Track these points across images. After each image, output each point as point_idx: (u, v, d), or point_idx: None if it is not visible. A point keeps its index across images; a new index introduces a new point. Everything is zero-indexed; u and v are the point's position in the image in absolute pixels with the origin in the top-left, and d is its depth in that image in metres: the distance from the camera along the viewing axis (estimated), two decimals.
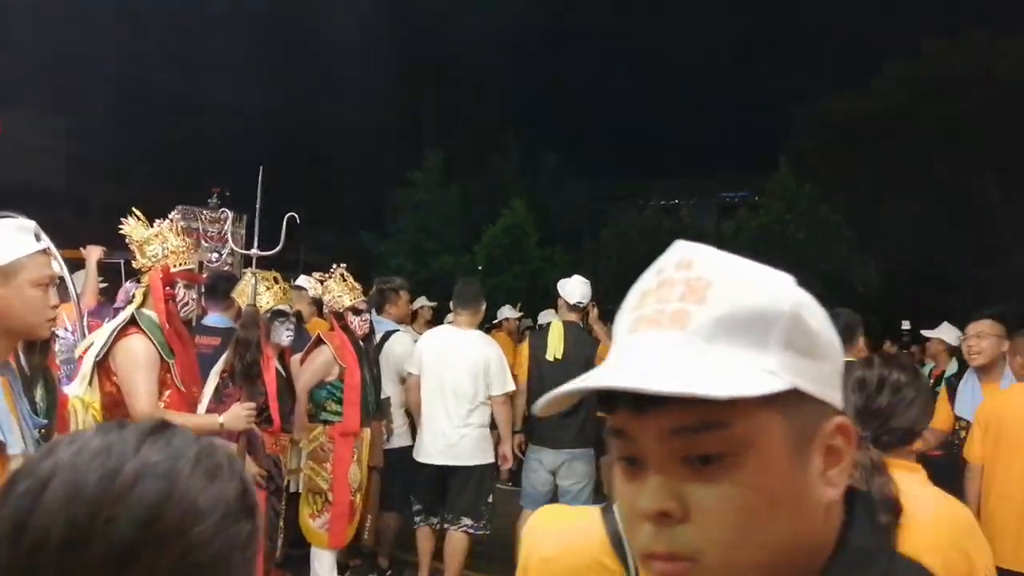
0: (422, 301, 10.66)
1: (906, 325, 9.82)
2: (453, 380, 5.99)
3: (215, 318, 5.55)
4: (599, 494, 8.73)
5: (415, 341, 6.58)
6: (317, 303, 7.05)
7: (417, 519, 6.23)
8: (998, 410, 4.32)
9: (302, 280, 7.30)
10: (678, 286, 0.90)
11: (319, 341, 5.66)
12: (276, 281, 5.16)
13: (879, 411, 2.31)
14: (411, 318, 9.88)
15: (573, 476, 6.35)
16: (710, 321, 0.85)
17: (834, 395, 0.92)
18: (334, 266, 5.76)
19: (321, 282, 5.76)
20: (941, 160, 25.30)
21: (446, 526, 6.12)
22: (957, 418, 5.18)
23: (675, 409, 0.82)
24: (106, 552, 0.85)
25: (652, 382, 0.79)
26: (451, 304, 6.48)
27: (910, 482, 2.17)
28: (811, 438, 0.88)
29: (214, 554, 0.90)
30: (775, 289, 0.91)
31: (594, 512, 1.46)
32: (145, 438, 0.92)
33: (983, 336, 4.96)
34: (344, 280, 5.69)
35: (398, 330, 6.62)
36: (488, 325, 10.79)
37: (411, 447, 6.38)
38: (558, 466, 6.33)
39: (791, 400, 0.85)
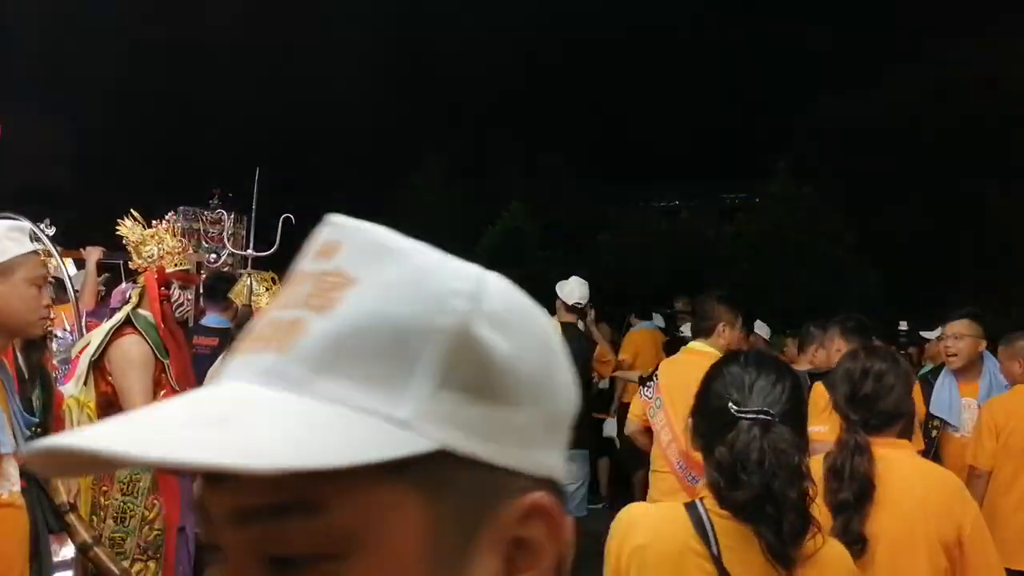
0: None
1: (903, 326, 9.82)
2: None
3: (213, 318, 5.57)
4: (595, 494, 8.75)
5: None
6: None
7: None
8: (1006, 416, 4.34)
9: None
10: (307, 282, 0.62)
11: None
12: (274, 282, 5.17)
13: (865, 398, 2.54)
14: None
15: (567, 477, 6.38)
16: (324, 340, 0.56)
17: (535, 457, 0.61)
18: None
19: None
20: (942, 164, 25.31)
21: None
22: (931, 416, 5.12)
23: (250, 482, 0.51)
24: None
25: (122, 443, 0.48)
26: None
27: (896, 457, 2.48)
28: (478, 529, 0.57)
29: None
30: (440, 292, 0.60)
31: (677, 506, 1.87)
32: None
33: (961, 337, 4.93)
34: None
35: None
36: None
37: None
38: None
39: (442, 470, 0.55)
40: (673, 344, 7.77)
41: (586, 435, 6.37)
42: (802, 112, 27.79)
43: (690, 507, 1.84)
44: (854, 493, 2.37)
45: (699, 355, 4.53)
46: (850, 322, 5.24)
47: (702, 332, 4.69)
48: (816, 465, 2.28)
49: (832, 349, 5.11)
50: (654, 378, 4.81)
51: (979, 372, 4.97)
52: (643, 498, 8.97)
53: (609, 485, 9.27)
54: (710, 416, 1.89)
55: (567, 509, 0.65)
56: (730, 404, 1.82)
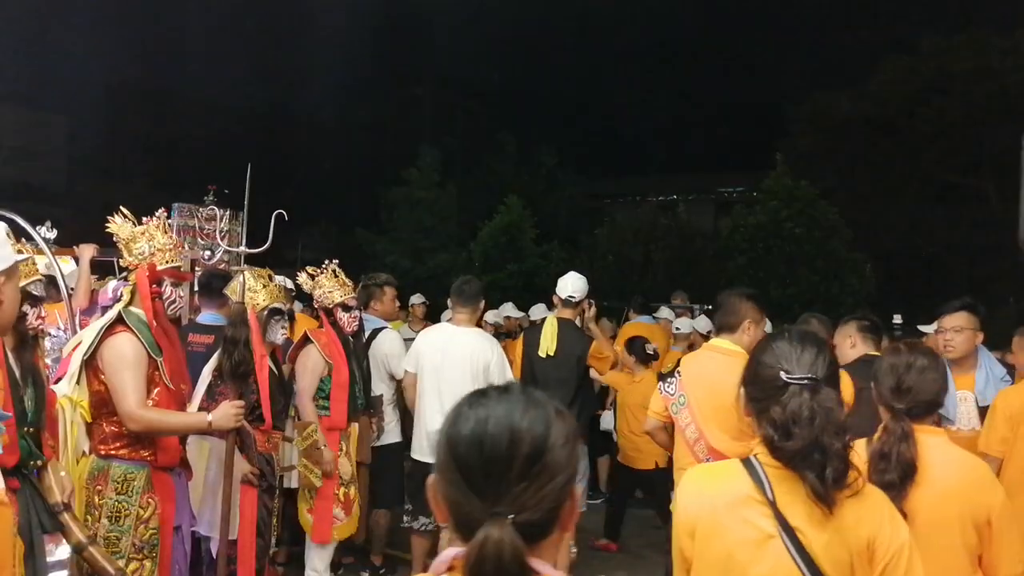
0: (418, 298, 10.64)
1: (897, 319, 9.82)
2: (452, 379, 5.82)
3: (209, 316, 5.54)
4: (594, 490, 8.76)
5: (403, 339, 6.60)
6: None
7: (406, 519, 6.22)
8: (1022, 405, 4.36)
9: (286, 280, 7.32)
10: None
11: (305, 340, 5.60)
12: (270, 278, 5.15)
13: (908, 389, 2.85)
14: (404, 315, 9.85)
15: None
16: None
17: None
18: (326, 261, 5.74)
19: (312, 277, 5.72)
20: (938, 158, 25.34)
21: (441, 525, 6.04)
22: None
23: None
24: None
25: None
26: (449, 301, 6.44)
27: (935, 443, 2.82)
28: None
29: None
30: None
31: (735, 462, 2.28)
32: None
33: (960, 330, 4.92)
34: (336, 276, 5.67)
35: (385, 327, 6.58)
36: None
37: (400, 443, 6.43)
38: None
39: None
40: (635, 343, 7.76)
41: (587, 431, 6.34)
42: (799, 106, 27.75)
43: (745, 462, 2.24)
44: (899, 475, 2.70)
45: (723, 352, 4.56)
46: (866, 320, 5.37)
47: (726, 329, 4.65)
48: (859, 448, 2.75)
49: (846, 345, 5.24)
50: (676, 374, 4.79)
51: (974, 364, 4.95)
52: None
53: (609, 480, 9.28)
54: (763, 383, 2.24)
55: None
56: (781, 372, 2.18)
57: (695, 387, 4.59)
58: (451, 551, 1.36)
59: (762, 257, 21.72)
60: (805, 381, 2.14)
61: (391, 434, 6.40)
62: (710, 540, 2.20)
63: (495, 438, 1.31)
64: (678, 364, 4.93)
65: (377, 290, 6.85)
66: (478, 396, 1.39)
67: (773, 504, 2.13)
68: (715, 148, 42.26)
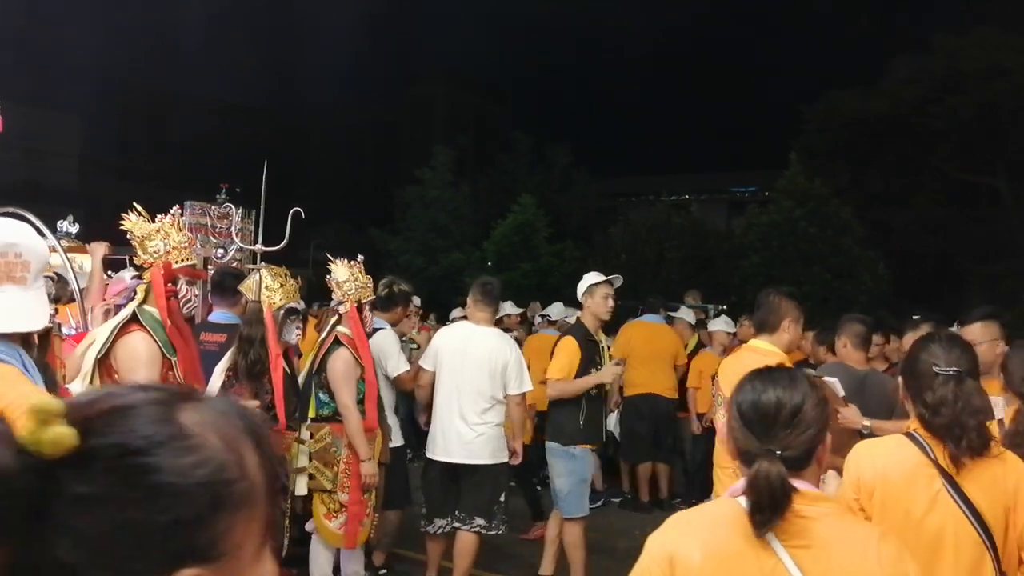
0: (416, 300, 10.61)
1: (916, 318, 9.71)
2: (471, 377, 5.91)
3: (221, 315, 5.49)
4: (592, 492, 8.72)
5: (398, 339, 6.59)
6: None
7: (422, 522, 6.16)
8: None
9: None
10: None
11: (336, 343, 5.43)
12: (286, 277, 5.10)
13: None
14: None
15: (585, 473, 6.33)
16: None
17: None
18: (359, 256, 5.67)
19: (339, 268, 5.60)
20: (952, 156, 25.21)
21: (456, 525, 6.02)
22: None
23: None
24: None
25: None
26: (468, 300, 6.39)
27: None
28: None
29: None
30: None
31: (899, 436, 2.84)
32: None
33: (979, 342, 4.76)
34: (364, 274, 5.62)
35: (384, 327, 6.50)
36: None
37: (404, 446, 6.48)
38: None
39: None
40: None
41: (595, 432, 6.26)
42: (812, 106, 27.64)
43: (908, 435, 2.81)
44: None
45: (761, 353, 4.53)
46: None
47: (766, 329, 4.64)
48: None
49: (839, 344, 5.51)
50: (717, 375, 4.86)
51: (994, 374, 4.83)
52: (648, 493, 9.01)
53: (605, 480, 9.33)
54: (920, 375, 2.83)
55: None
56: (934, 367, 2.79)
57: (732, 387, 4.55)
58: (743, 481, 1.98)
59: (775, 256, 21.66)
60: (951, 373, 2.75)
61: (395, 437, 6.35)
62: (889, 501, 2.72)
63: (767, 401, 2.03)
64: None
65: (405, 301, 6.82)
66: (758, 374, 2.13)
67: (936, 464, 2.70)
68: (728, 147, 42.23)
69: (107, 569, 0.77)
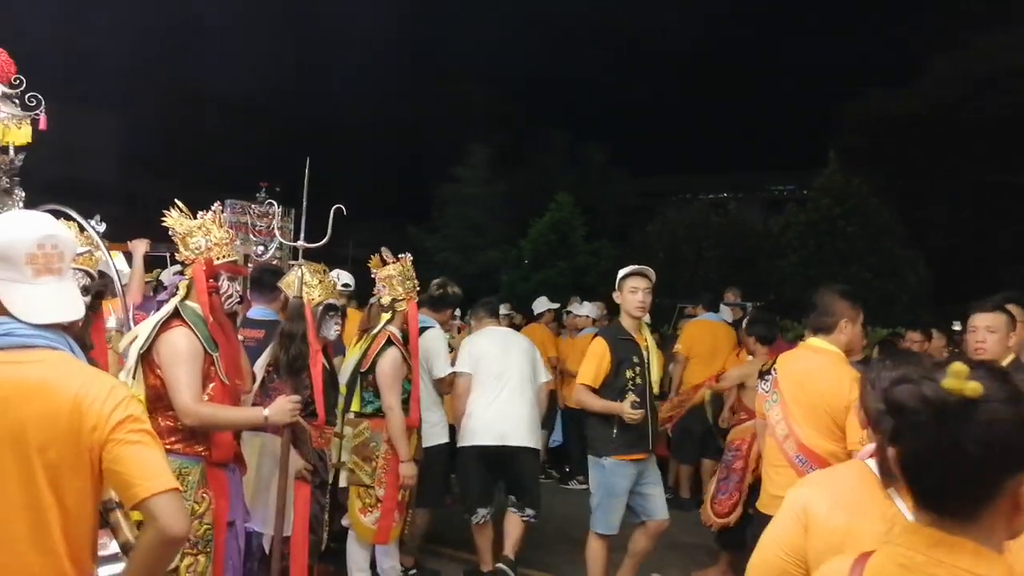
0: None
1: (956, 326, 9.58)
2: (516, 363, 6.35)
3: (259, 311, 5.53)
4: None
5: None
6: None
7: (466, 515, 6.28)
8: None
9: (345, 277, 7.31)
10: None
11: (388, 343, 5.44)
12: (325, 273, 5.12)
13: None
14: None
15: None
16: None
17: None
18: (408, 254, 5.70)
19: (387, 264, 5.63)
20: (990, 155, 24.90)
21: (511, 510, 6.24)
22: None
23: None
24: None
25: None
26: (478, 319, 6.96)
27: None
28: None
29: None
30: None
31: None
32: None
33: (994, 330, 4.72)
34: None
35: (433, 326, 6.53)
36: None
37: (446, 444, 6.47)
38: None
39: None
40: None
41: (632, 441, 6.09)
42: (850, 104, 27.39)
43: None
44: None
45: (819, 352, 4.54)
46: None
47: (823, 330, 4.56)
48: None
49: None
50: (772, 372, 4.77)
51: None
52: (690, 490, 8.96)
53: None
54: None
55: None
56: None
57: (789, 385, 4.57)
58: (872, 445, 2.25)
59: (814, 255, 21.52)
60: None
61: (438, 435, 6.35)
62: None
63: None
64: (774, 362, 4.90)
65: (456, 303, 7.11)
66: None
67: None
68: (766, 146, 41.93)
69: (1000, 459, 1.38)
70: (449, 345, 9.35)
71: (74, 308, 2.26)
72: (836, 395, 4.29)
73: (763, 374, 5.03)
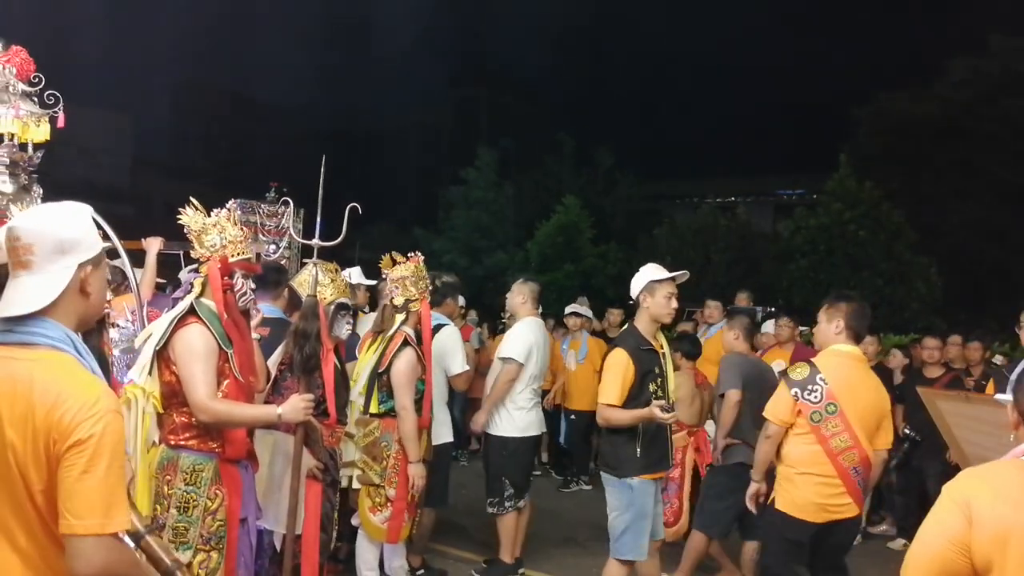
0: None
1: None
2: (545, 357, 6.93)
3: (264, 308, 5.53)
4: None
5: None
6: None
7: (507, 504, 6.54)
8: None
9: (356, 276, 7.30)
10: None
11: (404, 344, 5.42)
12: (337, 272, 5.14)
13: None
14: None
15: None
16: None
17: None
18: (419, 254, 5.70)
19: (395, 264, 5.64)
20: (1005, 159, 24.79)
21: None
22: None
23: None
24: None
25: None
26: (523, 300, 6.87)
27: None
28: None
29: None
30: None
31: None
32: None
33: None
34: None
35: (448, 323, 6.57)
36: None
37: (451, 443, 6.72)
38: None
39: None
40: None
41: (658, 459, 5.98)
42: (862, 107, 27.30)
43: None
44: None
45: (856, 358, 4.71)
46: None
47: (858, 336, 4.84)
48: None
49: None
50: (817, 381, 4.67)
51: None
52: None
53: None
54: None
55: None
56: None
57: (848, 396, 4.60)
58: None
59: (824, 259, 21.44)
60: None
61: (444, 434, 6.37)
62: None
63: None
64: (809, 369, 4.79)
65: (452, 293, 7.09)
66: None
67: None
68: (774, 149, 41.89)
69: None
70: (480, 340, 9.83)
71: (29, 302, 2.18)
72: (885, 398, 4.52)
73: (796, 382, 4.77)
